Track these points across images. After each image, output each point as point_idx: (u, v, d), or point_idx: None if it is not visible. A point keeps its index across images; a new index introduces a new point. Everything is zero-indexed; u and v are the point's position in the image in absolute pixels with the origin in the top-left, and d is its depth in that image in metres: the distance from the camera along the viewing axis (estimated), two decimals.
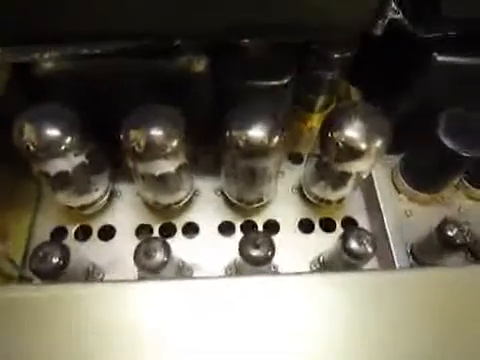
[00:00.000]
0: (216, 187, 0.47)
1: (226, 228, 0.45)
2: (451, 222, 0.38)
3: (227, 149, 0.36)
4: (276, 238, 0.44)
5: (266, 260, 0.36)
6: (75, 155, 0.37)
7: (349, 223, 0.46)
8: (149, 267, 0.35)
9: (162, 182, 0.39)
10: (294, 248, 0.44)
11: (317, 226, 0.46)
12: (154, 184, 0.39)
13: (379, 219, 0.44)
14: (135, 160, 0.36)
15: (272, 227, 0.45)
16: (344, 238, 0.37)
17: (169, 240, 0.43)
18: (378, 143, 0.35)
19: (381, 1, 0.34)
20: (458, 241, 0.38)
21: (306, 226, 0.46)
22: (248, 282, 0.30)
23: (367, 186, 0.47)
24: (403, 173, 0.47)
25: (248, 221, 0.46)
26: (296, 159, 0.50)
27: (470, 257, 0.45)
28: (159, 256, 0.35)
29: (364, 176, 0.41)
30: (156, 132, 0.34)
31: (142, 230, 0.45)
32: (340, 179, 0.40)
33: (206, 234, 0.44)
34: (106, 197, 0.44)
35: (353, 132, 0.35)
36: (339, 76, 0.46)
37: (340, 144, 0.36)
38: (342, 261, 0.38)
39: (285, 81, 0.41)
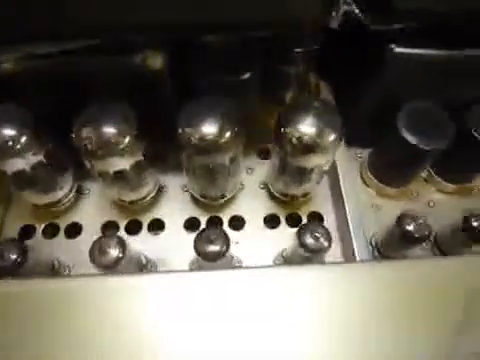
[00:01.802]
0: (183, 183, 0.47)
1: (192, 224, 0.45)
2: (409, 216, 0.38)
3: (181, 146, 0.36)
4: (241, 233, 0.45)
5: (220, 255, 0.36)
6: (33, 154, 0.37)
7: (315, 218, 0.46)
8: (104, 264, 0.36)
9: (120, 180, 0.39)
10: (259, 243, 0.44)
11: (283, 221, 0.46)
12: (113, 182, 0.39)
13: (345, 213, 0.44)
14: (89, 158, 0.36)
15: (238, 223, 0.46)
16: (299, 233, 0.37)
17: (134, 237, 0.44)
18: (329, 139, 0.35)
19: None
20: (416, 235, 0.37)
21: (272, 221, 0.46)
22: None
23: (335, 180, 0.46)
24: (370, 167, 0.47)
25: (214, 217, 0.46)
26: (265, 154, 0.50)
27: (437, 251, 0.44)
28: (113, 253, 0.36)
29: (324, 170, 0.41)
30: (106, 130, 0.35)
31: (108, 227, 0.45)
32: (299, 174, 0.40)
33: (171, 230, 0.45)
34: (71, 195, 0.44)
35: (304, 128, 0.35)
36: (305, 71, 0.46)
37: (293, 139, 0.36)
38: (300, 256, 0.38)
39: (246, 76, 0.42)
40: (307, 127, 0.35)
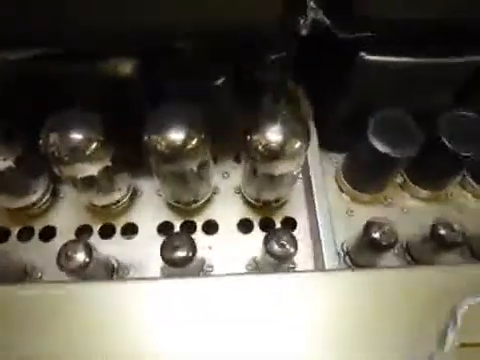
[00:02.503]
0: (157, 188, 0.47)
1: (166, 228, 0.46)
2: (375, 224, 0.38)
3: (148, 152, 0.36)
4: (214, 238, 0.45)
5: (187, 261, 0.36)
6: (3, 160, 0.38)
7: (288, 223, 0.47)
8: (70, 269, 0.36)
9: (90, 185, 0.39)
10: (231, 248, 0.44)
11: (256, 226, 0.46)
12: (83, 187, 0.40)
13: (322, 219, 0.44)
14: (56, 164, 0.37)
15: (211, 227, 0.46)
16: (265, 241, 0.37)
17: (108, 241, 0.44)
18: (295, 146, 0.36)
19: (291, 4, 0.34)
20: (383, 242, 0.38)
21: (245, 226, 0.46)
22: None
23: (309, 186, 0.47)
24: (345, 173, 0.47)
25: (187, 221, 0.46)
26: (241, 159, 0.50)
27: (409, 259, 0.44)
28: (80, 257, 0.36)
29: (294, 176, 0.41)
30: (73, 136, 0.35)
31: (83, 231, 0.45)
32: (269, 180, 0.40)
33: (145, 235, 0.45)
34: (46, 199, 0.45)
35: (270, 135, 0.35)
36: (280, 77, 0.46)
37: (259, 147, 0.36)
38: (268, 262, 0.38)
39: (218, 83, 0.42)
40: (273, 135, 0.36)
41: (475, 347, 0.27)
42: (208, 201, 0.47)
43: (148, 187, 0.47)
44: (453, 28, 0.36)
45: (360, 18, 0.35)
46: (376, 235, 0.38)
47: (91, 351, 0.28)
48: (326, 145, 0.50)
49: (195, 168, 0.38)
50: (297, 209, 0.47)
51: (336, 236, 0.44)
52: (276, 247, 0.37)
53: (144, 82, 0.40)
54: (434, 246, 0.39)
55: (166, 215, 0.46)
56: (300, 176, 0.48)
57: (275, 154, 0.36)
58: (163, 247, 0.36)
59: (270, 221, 0.46)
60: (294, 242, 0.37)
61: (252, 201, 0.46)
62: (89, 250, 0.36)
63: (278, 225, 0.46)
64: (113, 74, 0.39)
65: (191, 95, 0.41)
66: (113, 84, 0.40)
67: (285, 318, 0.30)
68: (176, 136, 0.35)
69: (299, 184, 0.48)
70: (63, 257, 0.36)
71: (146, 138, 0.35)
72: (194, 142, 0.35)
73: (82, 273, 0.36)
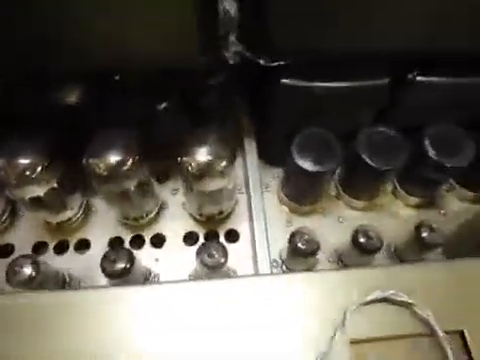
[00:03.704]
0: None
1: (116, 243, 0.49)
2: (299, 233, 0.41)
3: (87, 175, 0.40)
4: (162, 251, 0.48)
5: (123, 274, 0.40)
6: None
7: (232, 234, 0.50)
8: (18, 282, 0.39)
9: (39, 205, 0.43)
10: (176, 260, 0.48)
11: (202, 238, 0.50)
12: (32, 207, 0.43)
13: (260, 230, 0.48)
14: (6, 187, 0.40)
15: (159, 240, 0.49)
16: (197, 252, 0.40)
17: (62, 256, 0.48)
18: (220, 166, 0.39)
19: (207, 37, 0.38)
20: (306, 250, 0.41)
21: (192, 239, 0.50)
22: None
23: (251, 198, 0.50)
24: (283, 186, 0.51)
25: (137, 236, 0.49)
26: None
27: (341, 264, 0.48)
28: (27, 271, 0.39)
29: (228, 191, 0.45)
30: (20, 161, 0.39)
31: (39, 247, 0.49)
32: (204, 196, 0.44)
33: (97, 249, 0.48)
34: (5, 217, 0.48)
35: (197, 157, 0.39)
36: (219, 101, 0.50)
37: (188, 167, 0.40)
38: (203, 272, 0.42)
39: (161, 107, 0.46)
40: (200, 156, 0.39)
41: (364, 343, 0.31)
42: (157, 216, 0.50)
43: (101, 204, 0.51)
44: (364, 55, 0.40)
45: (277, 48, 0.39)
46: (299, 244, 0.41)
47: None
48: (267, 160, 0.54)
49: (133, 187, 0.42)
50: (240, 221, 0.51)
51: (275, 245, 0.48)
52: (207, 258, 0.40)
53: (90, 107, 0.44)
54: (357, 252, 0.43)
55: (118, 230, 0.50)
56: (243, 190, 0.52)
57: (202, 173, 0.39)
58: (102, 260, 0.40)
59: (214, 233, 0.50)
60: (224, 252, 0.40)
61: (196, 216, 0.49)
62: (36, 265, 0.40)
63: (222, 237, 0.50)
64: (61, 100, 0.43)
65: (137, 118, 0.46)
66: (61, 109, 0.43)
67: (220, 320, 0.33)
68: (111, 159, 0.39)
69: (244, 197, 0.52)
70: (11, 271, 0.39)
71: (84, 161, 0.39)
72: (129, 164, 0.39)
73: (30, 286, 0.40)
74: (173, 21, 0.36)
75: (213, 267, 0.40)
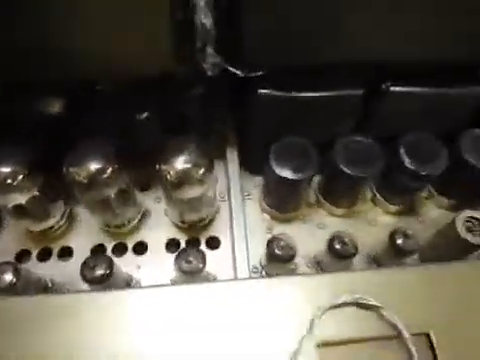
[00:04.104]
0: None
1: (99, 251, 0.50)
2: (276, 239, 0.42)
3: (68, 183, 0.41)
4: (143, 258, 0.49)
5: (103, 280, 0.40)
6: None
7: (213, 242, 0.51)
8: None
9: (21, 213, 0.44)
10: (158, 267, 0.48)
11: (183, 246, 0.50)
12: (16, 214, 0.44)
13: (239, 237, 0.49)
14: None
15: (141, 248, 0.50)
16: (175, 259, 0.41)
17: (45, 263, 0.48)
18: (198, 174, 0.40)
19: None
20: (283, 256, 0.42)
21: (173, 246, 0.51)
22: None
23: (232, 205, 0.51)
24: (264, 194, 0.52)
25: (119, 243, 0.50)
26: None
27: (319, 269, 0.49)
28: (7, 278, 0.40)
29: (208, 198, 0.46)
30: (1, 169, 0.40)
31: (23, 254, 0.49)
32: (184, 203, 0.45)
33: (79, 257, 0.49)
34: None
35: (176, 165, 0.40)
36: (199, 111, 0.51)
37: (167, 176, 0.41)
38: (182, 278, 0.43)
39: (142, 116, 0.47)
40: (178, 164, 0.40)
41: (332, 346, 0.32)
42: (140, 224, 0.51)
43: (84, 212, 0.51)
44: (338, 66, 0.42)
45: (252, 59, 0.40)
46: (277, 250, 0.42)
47: None
48: (249, 168, 0.55)
49: (114, 195, 0.43)
50: (221, 228, 0.52)
51: (256, 252, 0.49)
52: (185, 264, 0.41)
53: (71, 116, 0.45)
54: (333, 258, 0.44)
55: (101, 238, 0.51)
56: (225, 198, 0.53)
57: (181, 181, 0.40)
58: (82, 267, 0.40)
59: (196, 240, 0.51)
60: (202, 258, 0.41)
61: (178, 223, 0.50)
62: (17, 271, 0.40)
63: (203, 244, 0.51)
64: (42, 109, 0.44)
65: (118, 128, 0.47)
66: (42, 118, 0.44)
67: (196, 324, 0.33)
68: (91, 167, 0.40)
69: (226, 205, 0.53)
70: None
71: (64, 169, 0.40)
72: (108, 172, 0.40)
73: (11, 292, 0.40)
74: (151, 33, 0.37)
75: (191, 273, 0.41)
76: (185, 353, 0.32)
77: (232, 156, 0.53)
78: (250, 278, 0.44)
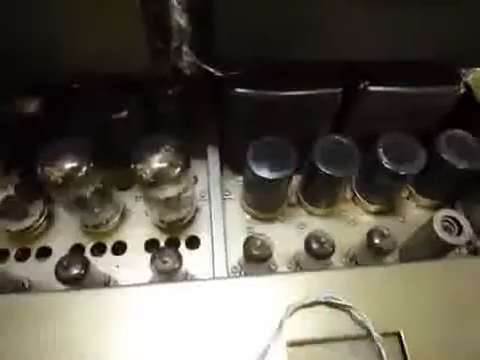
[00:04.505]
0: None
1: (78, 251, 0.50)
2: (252, 239, 0.42)
3: (42, 182, 0.41)
4: (122, 258, 0.49)
5: (78, 280, 0.40)
6: None
7: (193, 241, 0.51)
8: None
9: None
10: (136, 267, 0.48)
11: (163, 245, 0.50)
12: None
13: (218, 237, 0.49)
14: None
15: (120, 248, 0.50)
16: (151, 259, 0.41)
17: (23, 263, 0.48)
18: (173, 173, 0.40)
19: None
20: (260, 256, 0.42)
21: (153, 246, 0.50)
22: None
23: (212, 205, 0.51)
24: (244, 194, 0.52)
25: (98, 243, 0.50)
26: None
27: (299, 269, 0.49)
28: None
29: (186, 198, 0.46)
30: None
31: (1, 254, 0.49)
32: (161, 203, 0.45)
33: (58, 256, 0.49)
34: None
35: (150, 164, 0.40)
36: (178, 110, 0.51)
37: (142, 175, 0.40)
38: (159, 278, 0.42)
39: (122, 115, 0.47)
40: (152, 163, 0.40)
41: (301, 345, 0.31)
42: (119, 223, 0.51)
43: (63, 212, 0.51)
44: (315, 65, 0.42)
45: (226, 59, 0.40)
46: (253, 250, 0.42)
47: None
48: (231, 168, 0.54)
49: (89, 195, 0.42)
50: (201, 228, 0.51)
51: (235, 252, 0.48)
52: (160, 264, 0.41)
53: (47, 117, 0.45)
54: (311, 257, 0.43)
55: (80, 238, 0.50)
56: (206, 197, 0.53)
57: (155, 180, 0.40)
58: (56, 267, 0.40)
59: (176, 240, 0.51)
60: (178, 257, 0.41)
61: (157, 223, 0.50)
62: None
63: (183, 244, 0.50)
64: (17, 110, 0.44)
65: (95, 126, 0.47)
66: (18, 119, 0.44)
67: (164, 323, 0.33)
68: (64, 166, 0.39)
69: (206, 204, 0.53)
70: None
71: (38, 168, 0.40)
72: (83, 171, 0.40)
73: None
74: (124, 32, 0.37)
75: (166, 273, 0.41)
76: (155, 352, 0.32)
77: (213, 155, 0.53)
78: (216, 278, 0.44)
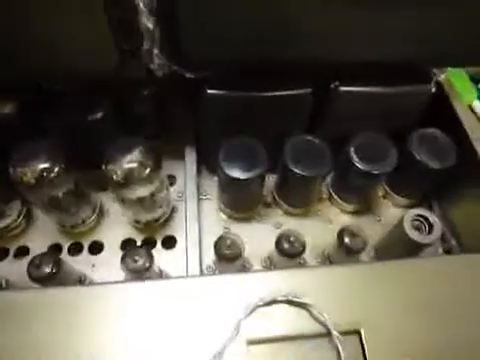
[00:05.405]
0: None
1: (55, 250, 0.50)
2: (224, 238, 0.43)
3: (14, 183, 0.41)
4: (98, 257, 0.49)
5: (49, 278, 0.41)
6: None
7: (170, 241, 0.51)
8: None
9: None
10: (112, 266, 0.48)
11: (139, 245, 0.51)
12: None
13: (193, 237, 0.49)
14: None
15: (97, 247, 0.50)
16: (121, 258, 0.41)
17: (1, 262, 0.49)
18: (143, 174, 0.41)
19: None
20: (230, 256, 0.42)
21: (130, 246, 0.51)
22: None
23: (187, 205, 0.51)
24: (220, 194, 0.52)
25: (75, 243, 0.51)
26: None
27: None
28: None
29: (160, 198, 0.46)
30: None
31: None
32: (134, 203, 0.45)
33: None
34: None
35: (120, 164, 0.41)
36: (153, 111, 0.52)
37: (112, 176, 0.41)
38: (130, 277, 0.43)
39: (98, 116, 0.47)
40: (123, 164, 0.41)
41: (262, 343, 0.32)
42: (96, 223, 0.51)
43: (40, 212, 0.52)
44: (284, 66, 0.42)
45: (194, 61, 0.41)
46: (225, 250, 0.42)
47: None
48: (207, 168, 0.55)
49: (62, 195, 0.43)
50: (177, 228, 0.52)
51: (211, 251, 0.49)
52: (131, 263, 0.41)
53: (22, 118, 0.45)
54: (280, 257, 0.44)
55: (57, 238, 0.51)
56: (183, 197, 0.53)
57: (126, 181, 0.41)
58: (28, 266, 0.41)
59: (152, 240, 0.51)
60: (149, 256, 0.42)
61: (133, 223, 0.50)
62: None
63: (159, 243, 0.51)
64: None
65: (73, 128, 0.47)
66: None
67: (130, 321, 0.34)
68: (36, 167, 0.40)
69: (183, 204, 0.53)
70: None
71: (10, 169, 0.40)
72: (55, 171, 0.40)
73: None
74: (92, 34, 0.38)
75: (137, 272, 0.41)
76: (124, 348, 0.32)
77: (190, 156, 0.53)
78: (180, 277, 0.44)
